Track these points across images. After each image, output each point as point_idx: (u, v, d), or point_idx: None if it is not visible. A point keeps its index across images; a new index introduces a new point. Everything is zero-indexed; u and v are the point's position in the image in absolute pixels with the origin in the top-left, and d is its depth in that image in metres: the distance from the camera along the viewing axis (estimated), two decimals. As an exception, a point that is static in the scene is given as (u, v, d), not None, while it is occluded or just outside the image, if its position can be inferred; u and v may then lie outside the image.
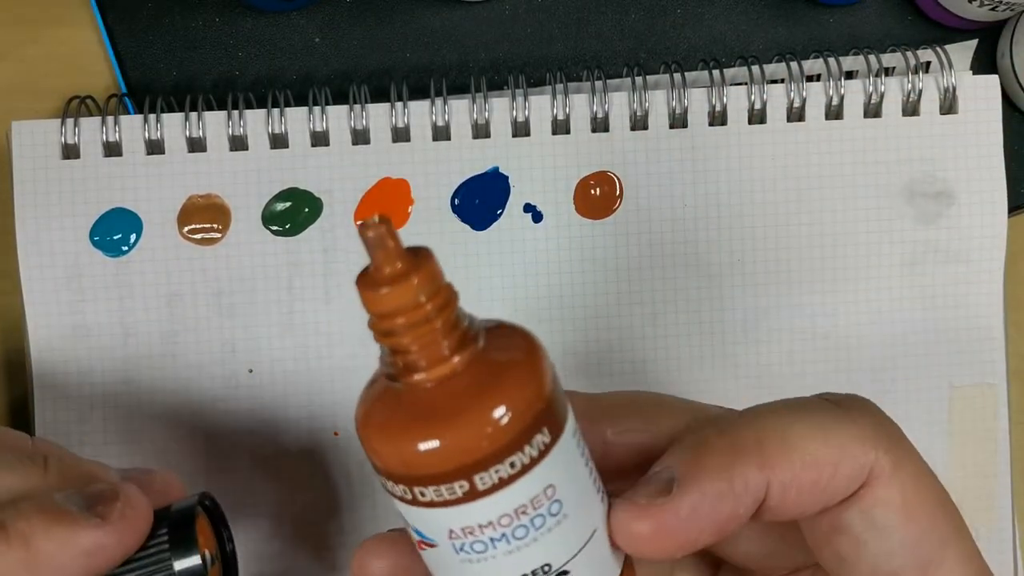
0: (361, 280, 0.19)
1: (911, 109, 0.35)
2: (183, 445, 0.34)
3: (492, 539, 0.19)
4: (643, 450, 0.22)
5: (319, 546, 0.35)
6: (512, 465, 0.18)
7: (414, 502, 0.19)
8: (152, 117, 0.33)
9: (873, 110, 0.35)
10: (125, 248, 0.34)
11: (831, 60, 0.35)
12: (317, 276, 0.34)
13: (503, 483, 0.18)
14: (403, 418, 0.18)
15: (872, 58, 0.35)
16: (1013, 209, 0.36)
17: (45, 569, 0.22)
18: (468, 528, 0.19)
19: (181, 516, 0.25)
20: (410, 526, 0.20)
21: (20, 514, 0.23)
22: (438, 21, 0.37)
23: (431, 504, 0.19)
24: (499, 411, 0.18)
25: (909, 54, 0.35)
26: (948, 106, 0.35)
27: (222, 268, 0.34)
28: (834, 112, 0.35)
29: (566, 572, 0.20)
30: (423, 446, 0.18)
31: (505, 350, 0.19)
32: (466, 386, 0.19)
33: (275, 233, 0.34)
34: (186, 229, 0.34)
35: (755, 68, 0.34)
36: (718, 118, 0.35)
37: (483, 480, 0.18)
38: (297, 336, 0.34)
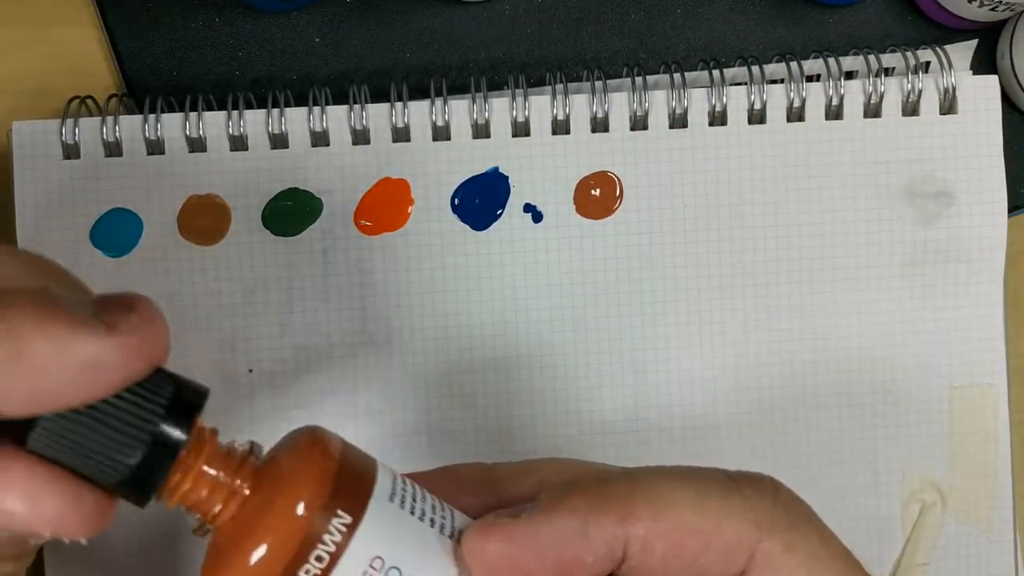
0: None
1: (911, 109, 0.35)
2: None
3: None
4: None
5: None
6: (319, 559, 0.19)
7: None
8: (152, 117, 0.33)
9: (873, 110, 0.35)
10: (125, 248, 0.34)
11: (831, 60, 0.35)
12: (317, 276, 0.34)
13: None
14: (218, 558, 0.19)
15: (872, 58, 0.35)
16: (1013, 209, 0.36)
17: (28, 368, 0.17)
18: None
19: (192, 390, 0.20)
20: None
21: (7, 301, 0.17)
22: (438, 21, 0.37)
23: None
24: (277, 519, 0.19)
25: (909, 54, 0.35)
26: (948, 106, 0.35)
27: (222, 268, 0.34)
28: (834, 112, 0.35)
29: None
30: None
31: (283, 453, 0.20)
32: (253, 507, 0.19)
33: (275, 233, 0.34)
34: (186, 229, 0.34)
35: (755, 68, 0.34)
36: (718, 118, 0.35)
37: None
38: (297, 336, 0.34)
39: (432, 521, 0.20)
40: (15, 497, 0.18)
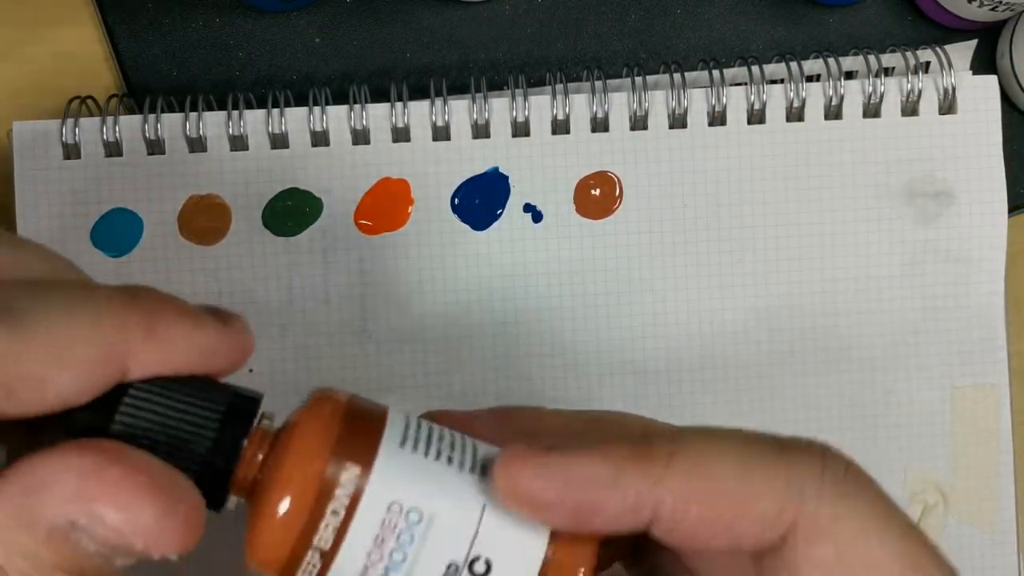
0: None
1: (911, 109, 0.35)
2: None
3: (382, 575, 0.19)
4: None
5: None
6: (335, 513, 0.19)
7: None
8: (152, 117, 0.34)
9: (873, 110, 0.35)
10: (125, 248, 0.34)
11: (831, 60, 0.35)
12: (317, 276, 0.34)
13: (343, 530, 0.19)
14: (250, 522, 0.20)
15: (872, 58, 0.35)
16: (1013, 209, 0.36)
17: (162, 344, 0.19)
18: None
19: (248, 399, 0.21)
20: None
21: (138, 291, 0.19)
22: (438, 21, 0.37)
23: None
24: (289, 481, 0.19)
25: (909, 54, 0.35)
26: (948, 106, 0.35)
27: (222, 268, 0.34)
28: (833, 112, 0.35)
29: (477, 558, 0.20)
30: (256, 549, 0.19)
31: (293, 416, 0.21)
32: (268, 468, 0.20)
33: (275, 233, 0.34)
34: (186, 229, 0.34)
35: (755, 68, 0.35)
36: (717, 118, 0.35)
37: (323, 540, 0.19)
38: (297, 336, 0.34)
39: (450, 459, 0.20)
40: (110, 504, 0.17)
